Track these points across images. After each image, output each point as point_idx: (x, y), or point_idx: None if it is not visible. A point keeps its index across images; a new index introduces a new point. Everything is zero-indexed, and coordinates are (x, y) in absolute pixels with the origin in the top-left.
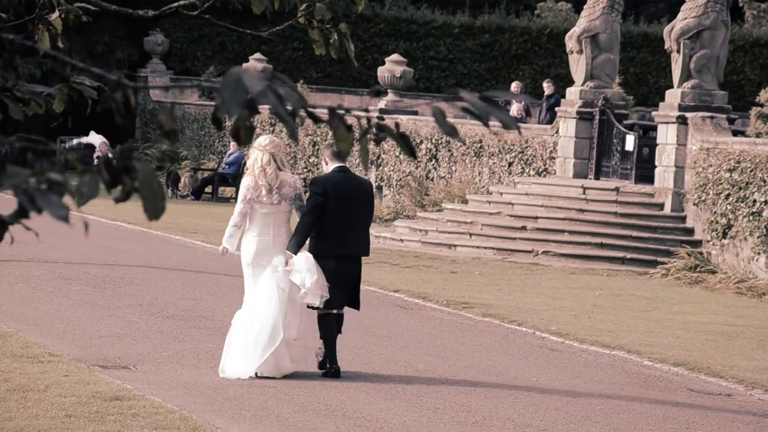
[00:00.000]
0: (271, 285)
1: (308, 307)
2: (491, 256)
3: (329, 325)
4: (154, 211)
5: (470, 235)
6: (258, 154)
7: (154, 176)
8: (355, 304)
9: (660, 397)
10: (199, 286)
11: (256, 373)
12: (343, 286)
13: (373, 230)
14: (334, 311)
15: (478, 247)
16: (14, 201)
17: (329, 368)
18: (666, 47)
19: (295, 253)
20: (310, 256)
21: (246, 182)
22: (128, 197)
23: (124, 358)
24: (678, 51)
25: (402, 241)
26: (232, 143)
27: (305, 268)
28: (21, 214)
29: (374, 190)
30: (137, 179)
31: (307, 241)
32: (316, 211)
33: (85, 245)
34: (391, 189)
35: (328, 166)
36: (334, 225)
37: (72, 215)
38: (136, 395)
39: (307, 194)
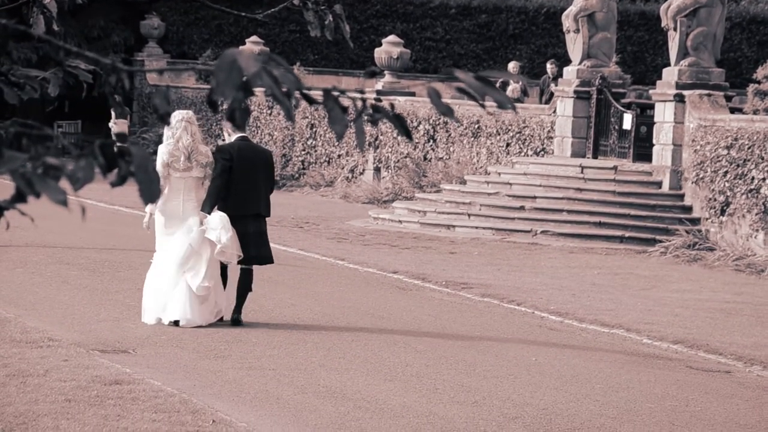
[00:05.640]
0: (183, 242)
1: (221, 264)
2: (490, 237)
3: (224, 276)
4: (150, 194)
5: (469, 215)
6: (178, 124)
7: (150, 160)
8: (269, 260)
9: (659, 375)
10: None
11: (177, 321)
12: (254, 243)
13: (372, 212)
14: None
15: (476, 228)
16: (11, 186)
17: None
18: (663, 25)
19: (209, 213)
20: (224, 215)
21: (164, 149)
22: (124, 181)
23: (124, 342)
24: (675, 29)
25: (400, 222)
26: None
27: (219, 226)
28: (19, 198)
29: (274, 158)
30: (133, 163)
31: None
32: (225, 174)
33: (84, 230)
34: (389, 170)
35: (231, 137)
36: (240, 187)
37: (69, 200)
38: (136, 379)
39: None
